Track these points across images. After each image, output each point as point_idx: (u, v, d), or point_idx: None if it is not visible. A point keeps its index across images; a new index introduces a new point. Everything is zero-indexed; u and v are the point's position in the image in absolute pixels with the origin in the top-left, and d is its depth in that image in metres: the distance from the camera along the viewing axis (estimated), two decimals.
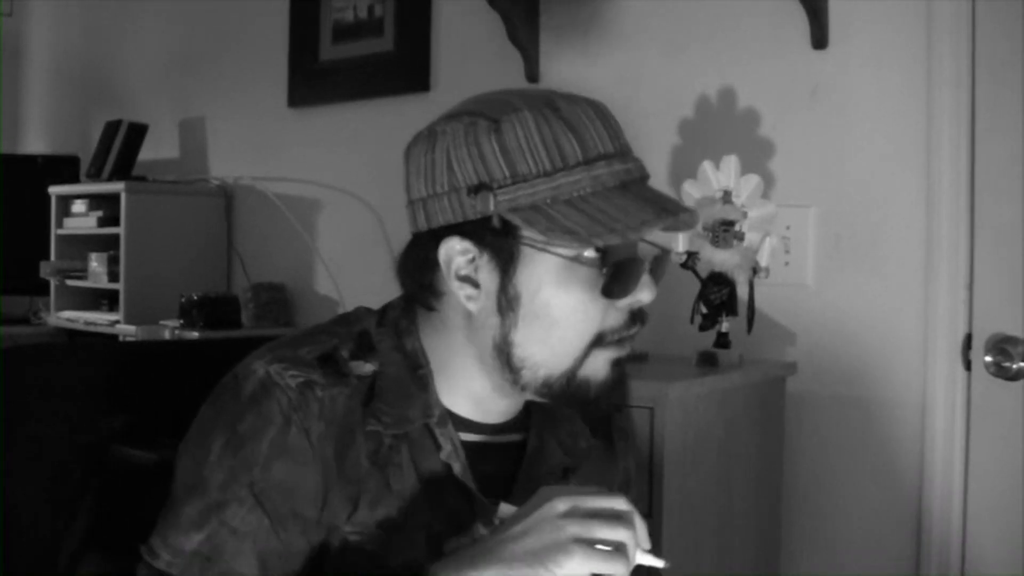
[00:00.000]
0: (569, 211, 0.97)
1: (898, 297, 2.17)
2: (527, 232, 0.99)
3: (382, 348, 1.07)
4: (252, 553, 0.97)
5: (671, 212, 0.99)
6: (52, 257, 3.62)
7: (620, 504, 0.92)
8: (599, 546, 0.88)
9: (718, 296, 2.16)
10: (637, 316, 1.04)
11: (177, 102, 3.78)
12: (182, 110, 3.78)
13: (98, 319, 3.43)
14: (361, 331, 1.08)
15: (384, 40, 3.12)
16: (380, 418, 1.03)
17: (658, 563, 0.93)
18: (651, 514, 1.80)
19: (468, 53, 2.93)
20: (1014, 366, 2.02)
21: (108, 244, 3.41)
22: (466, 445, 1.06)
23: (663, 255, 1.06)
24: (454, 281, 1.03)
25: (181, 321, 3.16)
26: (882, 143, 2.20)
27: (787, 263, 2.31)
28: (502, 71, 2.80)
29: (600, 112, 1.04)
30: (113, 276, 3.38)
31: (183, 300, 3.17)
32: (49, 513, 1.24)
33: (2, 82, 4.43)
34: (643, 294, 1.02)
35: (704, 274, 2.20)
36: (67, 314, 3.58)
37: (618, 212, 0.98)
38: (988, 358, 2.05)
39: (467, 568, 0.89)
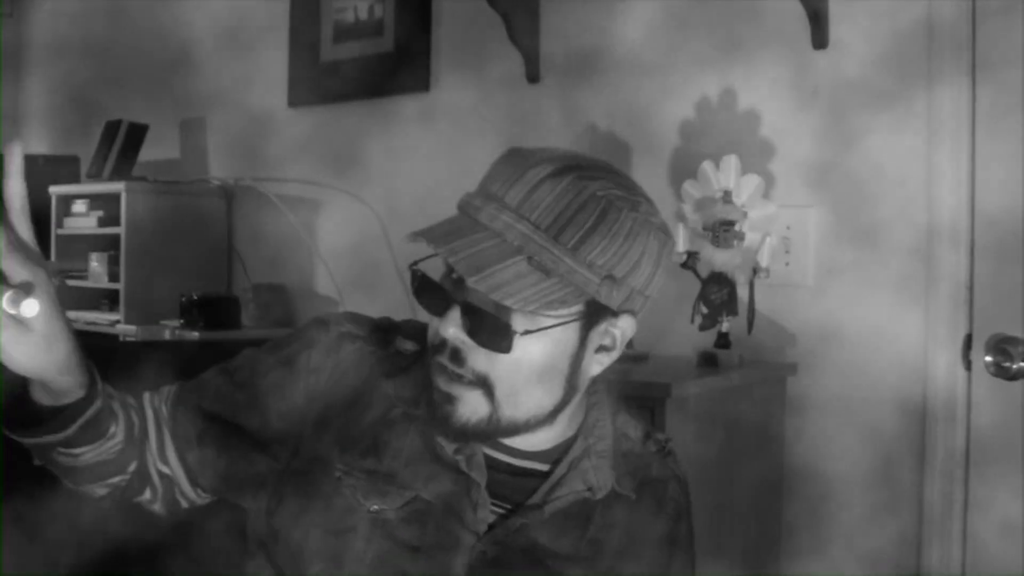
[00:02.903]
0: None
1: (899, 298, 2.17)
2: None
3: None
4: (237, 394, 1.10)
5: (444, 244, 0.98)
6: (52, 257, 3.61)
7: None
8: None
9: (718, 296, 2.17)
10: (447, 347, 1.02)
11: (178, 102, 3.78)
12: (183, 110, 3.78)
13: (98, 319, 3.42)
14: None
15: (384, 40, 3.12)
16: (398, 392, 1.09)
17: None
18: None
19: (468, 53, 2.93)
20: (1014, 366, 2.01)
21: (108, 244, 3.41)
22: (487, 457, 1.09)
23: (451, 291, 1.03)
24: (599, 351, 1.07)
25: (181, 321, 3.15)
26: (882, 143, 2.20)
27: (787, 263, 2.31)
28: (502, 72, 2.80)
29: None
30: (113, 276, 3.37)
31: (183, 300, 3.16)
32: None
33: (2, 82, 4.43)
34: (441, 325, 1.02)
35: (704, 274, 2.20)
36: (67, 314, 3.55)
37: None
38: (988, 358, 2.05)
39: None
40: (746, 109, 2.39)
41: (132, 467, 1.08)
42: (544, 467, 1.12)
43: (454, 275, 1.01)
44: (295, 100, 3.37)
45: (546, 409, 1.05)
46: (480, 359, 1.01)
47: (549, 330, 0.99)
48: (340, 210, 3.23)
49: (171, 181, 3.54)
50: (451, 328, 1.00)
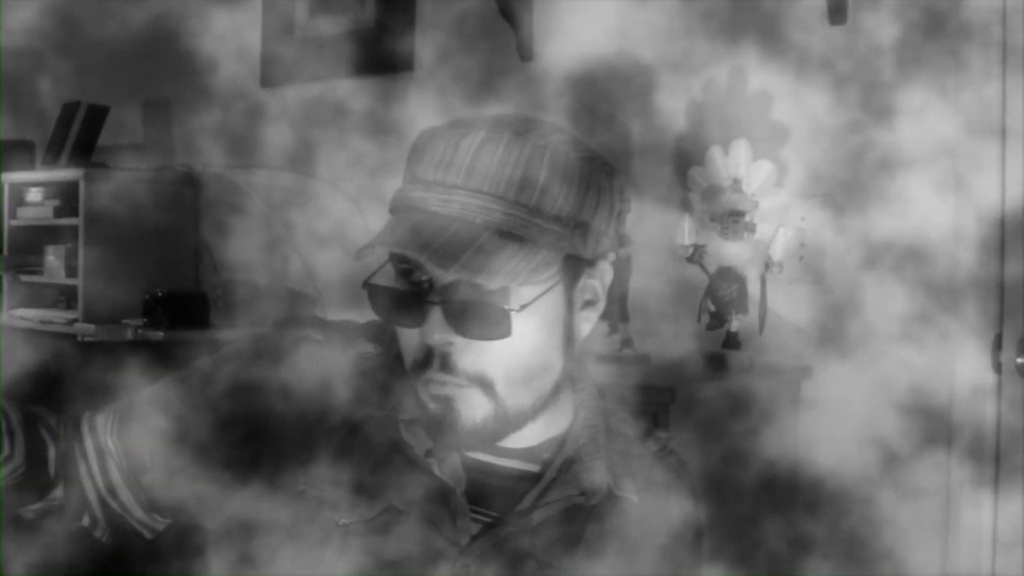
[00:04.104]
0: None
1: (924, 295, 2.17)
2: None
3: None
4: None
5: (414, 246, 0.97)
6: (4, 250, 3.61)
7: None
8: None
9: (727, 293, 2.17)
10: (434, 357, 1.02)
11: (140, 82, 3.77)
12: (146, 90, 3.77)
13: (54, 317, 3.42)
14: None
15: (365, 14, 3.12)
16: (362, 395, 1.08)
17: None
18: None
19: (456, 29, 2.93)
20: None
21: (65, 236, 3.41)
22: (466, 459, 1.08)
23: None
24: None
25: (145, 320, 3.15)
26: (907, 127, 2.19)
27: (802, 257, 2.30)
28: (493, 49, 2.80)
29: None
30: (71, 271, 3.37)
31: (147, 297, 3.16)
32: None
33: (2, 72, 4.42)
34: (423, 334, 1.01)
35: (712, 269, 2.21)
36: (20, 312, 3.56)
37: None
38: (1020, 360, 2.05)
39: None
40: (758, 89, 2.40)
41: (57, 492, 1.08)
42: (532, 467, 1.10)
43: (424, 278, 1.01)
44: (269, 79, 3.37)
45: (548, 388, 1.05)
46: (471, 359, 1.01)
47: (541, 299, 1.00)
48: (318, 200, 3.23)
49: (134, 168, 3.54)
50: (436, 334, 0.99)
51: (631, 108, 2.59)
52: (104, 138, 3.62)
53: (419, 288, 1.02)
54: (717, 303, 2.20)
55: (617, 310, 2.36)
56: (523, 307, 0.99)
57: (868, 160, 2.25)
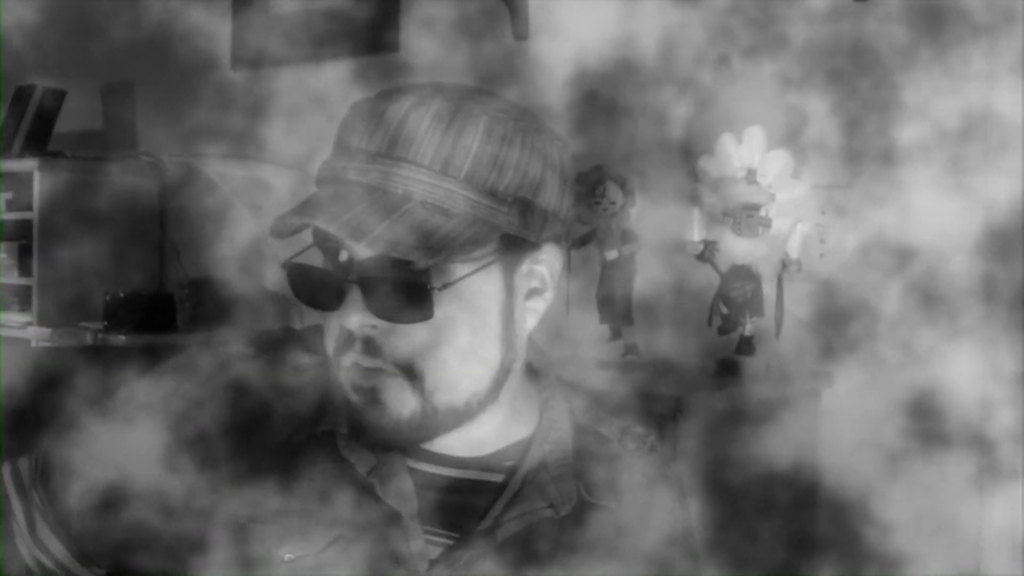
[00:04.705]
0: None
1: (954, 296, 2.16)
2: None
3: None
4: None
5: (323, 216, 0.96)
6: None
7: None
8: None
9: (741, 294, 2.17)
10: (354, 340, 1.01)
11: (100, 63, 3.75)
12: (106, 73, 3.76)
13: (6, 320, 3.40)
14: None
15: None
16: (300, 411, 1.07)
17: None
18: None
19: (444, 6, 2.92)
20: None
21: (19, 232, 3.37)
22: (415, 471, 1.06)
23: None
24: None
25: (106, 323, 3.14)
26: (937, 110, 2.18)
27: (822, 255, 2.30)
28: (484, 28, 2.79)
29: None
30: (25, 269, 3.34)
31: (108, 298, 3.14)
32: None
33: (2, 61, 4.41)
34: (340, 317, 1.00)
35: (724, 267, 2.21)
36: None
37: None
38: None
39: None
40: (773, 71, 2.39)
41: None
42: (494, 478, 1.09)
43: (342, 255, 1.00)
44: (240, 61, 3.35)
45: (485, 384, 1.04)
46: (398, 343, 0.99)
47: (469, 279, 0.99)
48: (294, 192, 3.21)
49: (93, 157, 3.51)
50: (353, 316, 0.98)
51: (635, 93, 2.58)
52: (61, 124, 3.59)
53: (339, 266, 1.00)
54: (729, 305, 2.20)
55: (620, 313, 2.36)
56: (445, 285, 0.97)
57: (894, 146, 2.24)
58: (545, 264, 1.05)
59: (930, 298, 2.20)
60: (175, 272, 3.48)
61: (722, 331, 2.21)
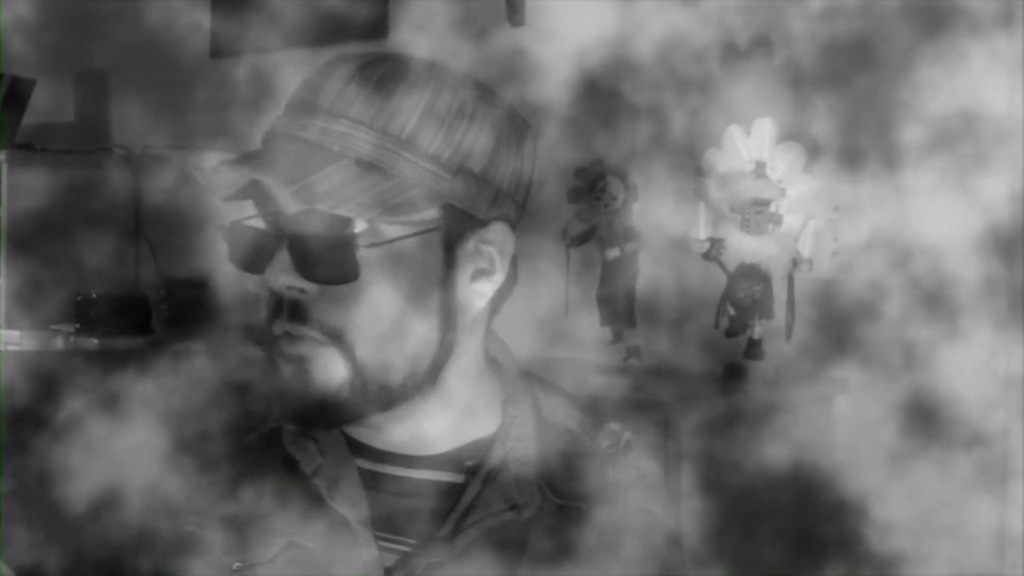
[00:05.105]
0: None
1: (975, 296, 2.15)
2: None
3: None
4: None
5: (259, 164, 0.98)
6: None
7: None
8: None
9: (749, 294, 2.17)
10: (283, 306, 1.00)
11: (72, 52, 3.75)
12: (78, 61, 3.74)
13: None
14: None
15: None
16: (246, 409, 1.07)
17: None
18: None
19: None
20: None
21: None
22: (365, 472, 1.06)
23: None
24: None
25: (77, 326, 3.15)
26: (961, 97, 2.17)
27: (835, 253, 2.29)
28: (477, 12, 2.78)
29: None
30: None
31: (80, 300, 3.15)
32: None
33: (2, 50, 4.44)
34: (267, 278, 0.99)
35: (732, 267, 2.20)
36: None
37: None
38: None
39: None
40: (783, 60, 2.38)
41: None
42: (454, 478, 1.07)
43: (270, 212, 1.00)
44: (219, 48, 3.35)
45: (423, 362, 1.02)
46: (327, 309, 0.99)
47: (404, 244, 0.99)
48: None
49: (64, 150, 3.51)
50: (280, 276, 0.98)
51: (633, 79, 2.58)
52: (30, 116, 3.57)
53: (273, 226, 1.01)
54: (737, 306, 2.19)
55: (622, 315, 2.35)
56: (375, 244, 0.97)
57: (913, 137, 2.23)
58: (494, 244, 1.05)
59: (946, 298, 2.19)
60: (150, 272, 3.47)
61: (729, 334, 2.20)
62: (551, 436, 1.12)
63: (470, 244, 1.03)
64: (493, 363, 1.12)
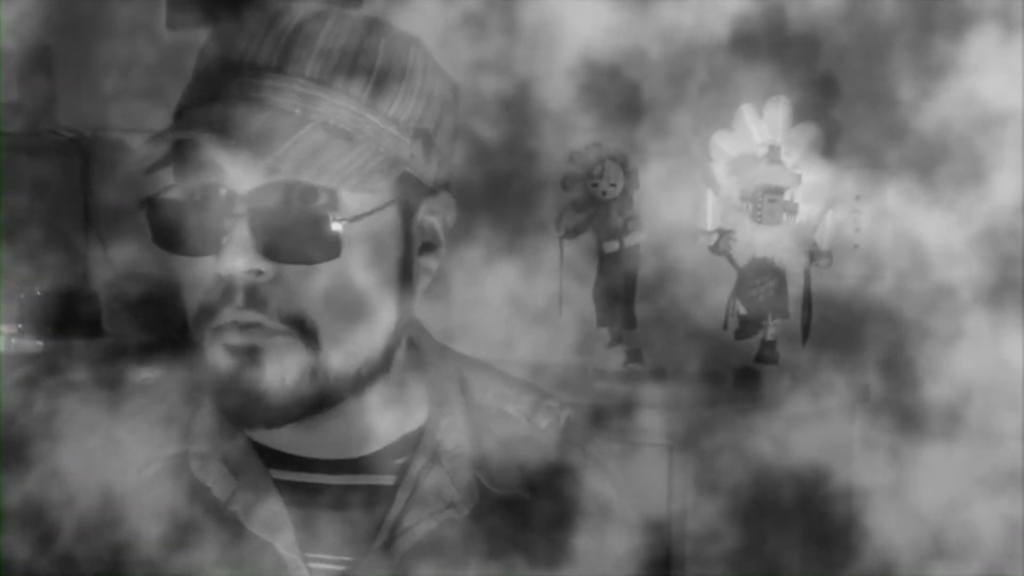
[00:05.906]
0: None
1: (1010, 291, 2.15)
2: None
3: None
4: None
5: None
6: None
7: None
8: None
9: (762, 291, 2.18)
10: (232, 292, 0.97)
11: (12, 24, 3.74)
12: (19, 35, 3.73)
13: None
14: None
15: None
16: (147, 438, 1.05)
17: None
18: None
19: None
20: None
21: None
22: (286, 486, 1.04)
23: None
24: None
25: (19, 326, 3.13)
26: (990, 79, 2.17)
27: (856, 246, 2.31)
28: None
29: None
30: None
31: (23, 297, 3.14)
32: None
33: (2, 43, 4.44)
34: (219, 262, 0.95)
35: (742, 261, 2.21)
36: None
37: None
38: None
39: None
40: (799, 34, 2.38)
41: None
42: (384, 480, 1.07)
43: (220, 190, 0.96)
44: (176, 19, 3.35)
45: (379, 350, 1.02)
46: (288, 293, 0.96)
47: (371, 220, 0.97)
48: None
49: (5, 133, 3.50)
50: (239, 258, 0.94)
51: (637, 55, 2.57)
52: None
53: (219, 203, 0.97)
54: (749, 304, 2.21)
55: (621, 314, 2.35)
56: (356, 218, 0.95)
57: (942, 119, 2.23)
58: (438, 216, 1.05)
59: (985, 289, 2.20)
60: (100, 267, 3.47)
61: (740, 335, 2.21)
62: (484, 421, 1.12)
63: (420, 215, 1.03)
64: (411, 345, 1.11)
